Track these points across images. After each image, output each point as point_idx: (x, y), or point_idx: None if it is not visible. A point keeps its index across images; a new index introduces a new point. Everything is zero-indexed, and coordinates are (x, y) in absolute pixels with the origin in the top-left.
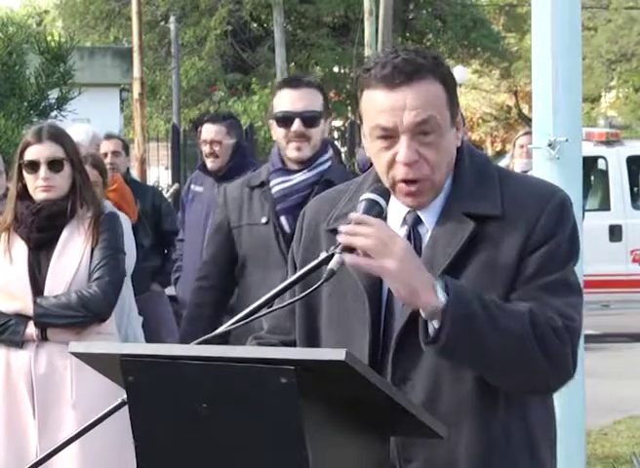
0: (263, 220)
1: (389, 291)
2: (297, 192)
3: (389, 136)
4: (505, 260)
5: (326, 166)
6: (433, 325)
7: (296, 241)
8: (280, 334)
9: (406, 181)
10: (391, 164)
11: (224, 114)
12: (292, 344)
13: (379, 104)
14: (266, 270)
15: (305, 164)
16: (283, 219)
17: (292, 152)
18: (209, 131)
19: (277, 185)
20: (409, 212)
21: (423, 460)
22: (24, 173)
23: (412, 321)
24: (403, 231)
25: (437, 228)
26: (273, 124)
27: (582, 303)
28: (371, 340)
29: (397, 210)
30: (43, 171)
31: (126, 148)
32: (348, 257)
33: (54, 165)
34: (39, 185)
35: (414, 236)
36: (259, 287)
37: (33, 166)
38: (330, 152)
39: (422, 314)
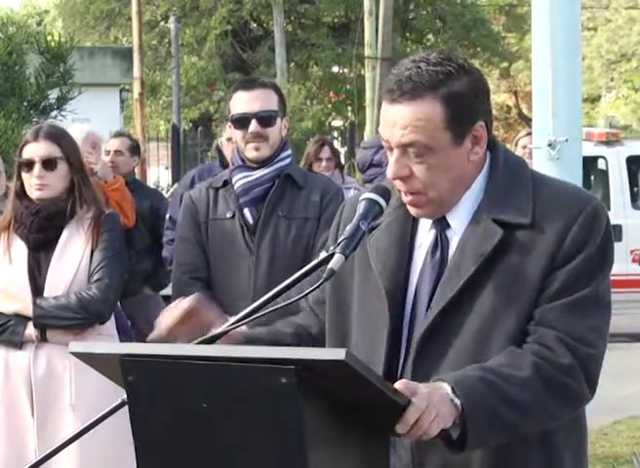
0: (229, 215)
1: (415, 295)
2: (258, 186)
3: (389, 147)
4: (533, 272)
5: (286, 162)
6: (454, 431)
7: (332, 235)
8: (304, 322)
9: (403, 192)
10: None
11: None
12: (311, 336)
13: (381, 116)
14: (231, 262)
15: (265, 162)
16: (246, 212)
17: (250, 152)
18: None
19: (239, 180)
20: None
21: (437, 465)
22: (22, 171)
23: (433, 327)
24: (431, 235)
25: (466, 233)
26: (231, 126)
27: (609, 320)
28: (388, 344)
29: None
30: (37, 169)
31: (133, 148)
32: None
33: (48, 164)
34: (33, 184)
35: (441, 240)
36: (224, 280)
37: (29, 164)
38: (289, 150)
39: None
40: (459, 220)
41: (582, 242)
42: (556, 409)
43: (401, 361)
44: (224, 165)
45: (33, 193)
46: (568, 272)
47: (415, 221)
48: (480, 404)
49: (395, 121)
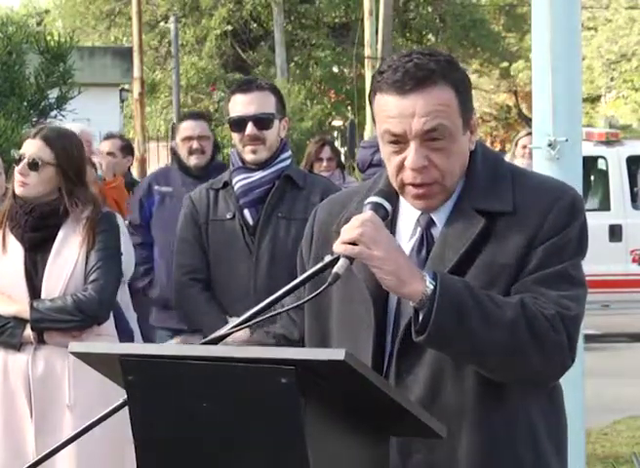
0: (228, 216)
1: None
2: (258, 187)
3: (399, 141)
4: (510, 255)
5: (286, 163)
6: (421, 314)
7: (306, 241)
8: (284, 329)
9: (414, 185)
10: (400, 168)
11: (200, 112)
12: (292, 342)
13: (389, 110)
14: (231, 263)
15: (264, 164)
16: (246, 213)
17: (248, 155)
18: (194, 127)
19: (239, 182)
20: (422, 213)
21: (424, 455)
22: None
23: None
24: (416, 233)
25: (448, 225)
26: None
27: (584, 296)
28: (374, 345)
29: (410, 212)
30: (21, 165)
31: (125, 149)
32: (336, 246)
33: (33, 164)
34: (16, 179)
35: (427, 238)
36: (224, 281)
37: (20, 159)
38: (289, 151)
39: (412, 304)
40: (442, 216)
41: (561, 226)
42: (529, 345)
43: (386, 362)
44: (181, 165)
45: (16, 188)
46: (542, 250)
47: (393, 222)
48: (454, 297)
49: (414, 110)
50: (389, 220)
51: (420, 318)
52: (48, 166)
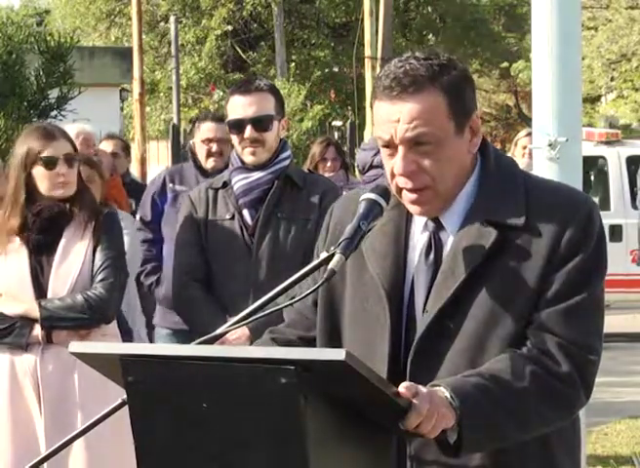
0: (228, 216)
1: (411, 297)
2: (257, 187)
3: (389, 146)
4: (530, 275)
5: (286, 163)
6: (452, 435)
7: (321, 239)
8: (300, 329)
9: (407, 190)
10: (394, 173)
11: (222, 115)
12: (311, 340)
13: (379, 115)
14: (230, 263)
15: (263, 165)
16: (245, 213)
17: (247, 157)
18: (216, 129)
19: (239, 182)
20: (429, 218)
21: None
22: (45, 168)
23: (430, 330)
24: (424, 237)
25: (459, 235)
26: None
27: (604, 320)
28: (390, 345)
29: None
30: (61, 165)
31: (126, 149)
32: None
33: (70, 160)
34: (57, 181)
35: (435, 242)
36: (223, 281)
37: (53, 162)
38: (289, 151)
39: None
40: (452, 221)
41: (578, 244)
42: (552, 416)
43: (402, 361)
44: (197, 165)
45: (56, 191)
46: (565, 275)
47: (408, 223)
48: (477, 410)
49: (400, 116)
50: (406, 222)
51: (453, 440)
52: (76, 160)
